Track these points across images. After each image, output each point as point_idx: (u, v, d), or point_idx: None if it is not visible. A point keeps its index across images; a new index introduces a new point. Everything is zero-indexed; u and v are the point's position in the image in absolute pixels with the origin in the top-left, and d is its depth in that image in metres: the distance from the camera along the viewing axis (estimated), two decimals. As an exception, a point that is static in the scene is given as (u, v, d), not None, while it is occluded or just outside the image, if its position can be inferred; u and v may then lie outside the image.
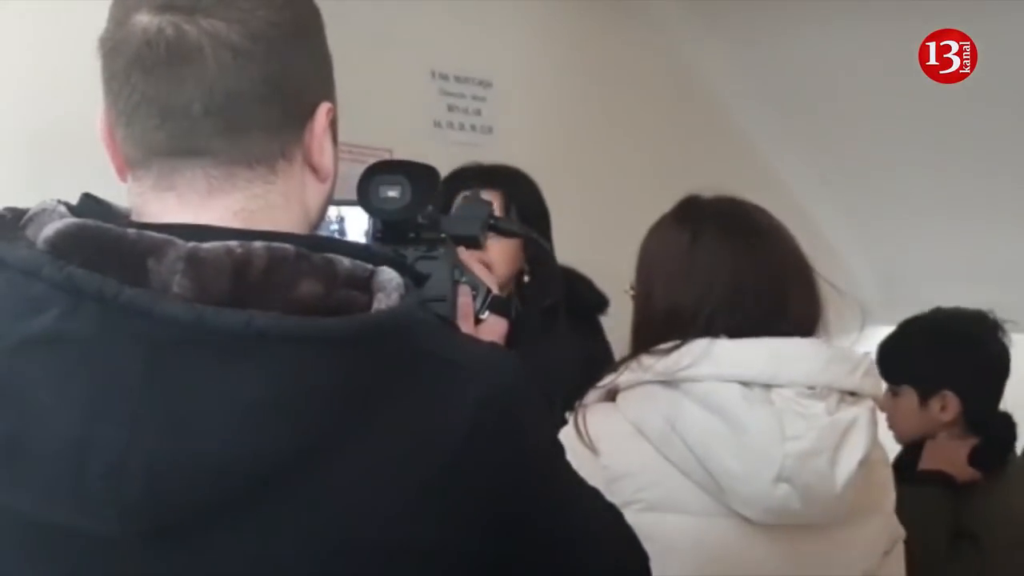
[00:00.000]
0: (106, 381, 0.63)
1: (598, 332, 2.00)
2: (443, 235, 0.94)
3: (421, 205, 0.91)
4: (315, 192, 0.79)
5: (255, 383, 0.64)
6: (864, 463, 1.13)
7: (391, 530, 0.69)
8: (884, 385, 2.01)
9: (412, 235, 0.93)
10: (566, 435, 1.21)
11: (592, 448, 1.18)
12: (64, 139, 1.51)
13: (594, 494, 0.88)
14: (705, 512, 1.16)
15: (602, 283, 2.06)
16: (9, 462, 0.65)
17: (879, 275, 3.94)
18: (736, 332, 1.17)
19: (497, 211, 1.60)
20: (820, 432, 1.11)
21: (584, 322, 1.96)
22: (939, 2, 2.64)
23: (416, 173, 0.91)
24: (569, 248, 2.24)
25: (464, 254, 0.98)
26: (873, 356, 1.21)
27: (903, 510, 1.58)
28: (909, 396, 1.95)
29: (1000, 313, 2.00)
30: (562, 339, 1.70)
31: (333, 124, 0.80)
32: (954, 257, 3.69)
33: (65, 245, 0.65)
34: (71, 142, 1.30)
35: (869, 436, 1.14)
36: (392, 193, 0.90)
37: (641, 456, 1.17)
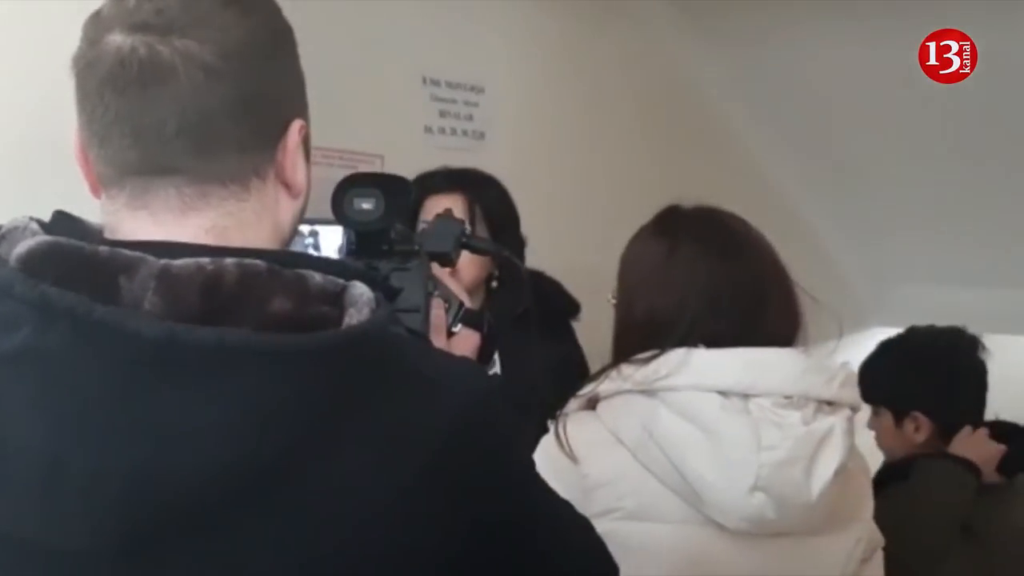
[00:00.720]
0: (79, 398, 0.64)
1: (570, 337, 2.01)
2: (416, 247, 0.95)
3: (395, 216, 0.92)
4: (288, 208, 0.79)
5: (227, 399, 0.65)
6: (840, 472, 1.13)
7: (363, 541, 0.69)
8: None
9: (386, 248, 0.94)
10: (547, 443, 1.22)
11: (572, 456, 1.19)
12: (50, 153, 1.52)
13: (566, 505, 0.88)
14: (683, 520, 1.17)
15: (592, 289, 2.06)
16: None
17: (874, 279, 3.96)
18: (714, 342, 1.18)
19: (459, 214, 1.62)
20: (796, 442, 1.12)
21: (556, 328, 1.96)
22: (929, 7, 2.66)
23: (389, 186, 0.92)
24: (560, 253, 2.25)
25: (437, 269, 0.99)
26: (852, 367, 1.21)
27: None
28: (886, 417, 2.00)
29: (993, 316, 2.02)
30: (535, 347, 1.71)
31: (306, 141, 0.81)
32: (949, 261, 3.70)
33: (37, 263, 0.65)
34: (57, 156, 1.31)
35: (845, 445, 1.14)
36: (366, 205, 0.91)
37: (620, 465, 1.18)
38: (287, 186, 0.79)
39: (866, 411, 2.07)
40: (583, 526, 0.90)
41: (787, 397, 1.14)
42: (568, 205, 2.78)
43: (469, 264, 1.77)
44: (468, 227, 1.10)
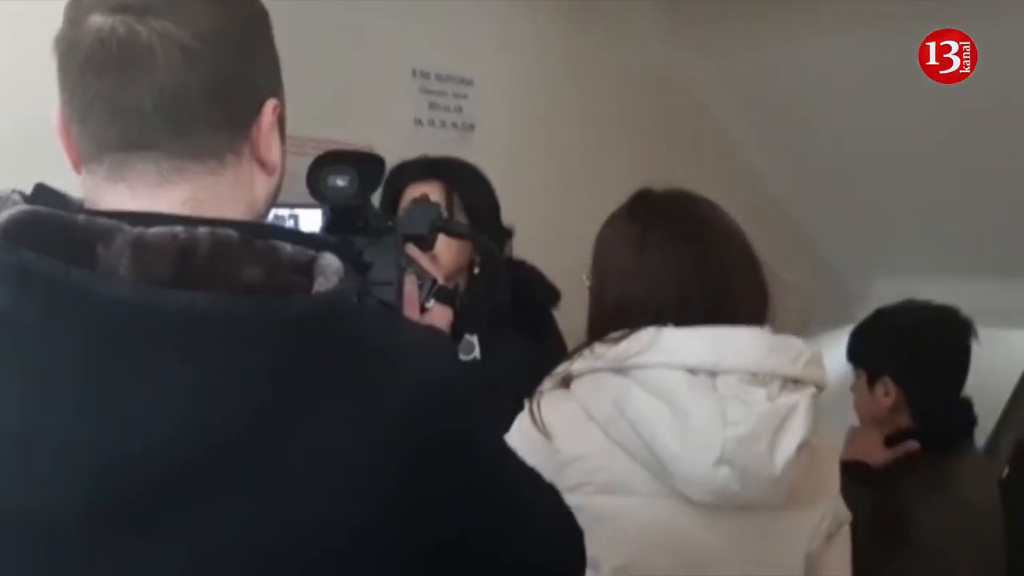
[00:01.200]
0: (55, 363, 0.66)
1: (550, 325, 2.03)
2: (390, 223, 0.98)
3: (368, 192, 0.95)
4: (263, 185, 0.82)
5: (197, 363, 0.67)
6: (803, 447, 1.17)
7: (335, 507, 0.72)
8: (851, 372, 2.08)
9: (361, 224, 0.97)
10: (521, 420, 1.26)
11: (545, 433, 1.23)
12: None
13: (532, 472, 0.91)
14: (651, 493, 1.20)
15: (580, 280, 2.09)
16: None
17: (861, 273, 3.99)
18: (684, 323, 1.21)
19: (437, 199, 1.64)
20: (760, 417, 1.15)
21: (536, 315, 1.99)
22: (914, 4, 2.69)
23: (363, 163, 0.95)
24: (548, 244, 2.28)
25: (411, 249, 1.02)
26: (818, 349, 1.25)
27: None
28: (862, 379, 2.04)
29: (979, 310, 2.05)
30: (509, 336, 1.74)
31: (281, 120, 0.83)
32: (936, 254, 3.73)
33: (17, 230, 0.68)
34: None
35: (808, 422, 1.17)
36: (341, 182, 0.94)
37: (592, 440, 1.22)
38: (262, 163, 0.81)
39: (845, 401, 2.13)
40: (549, 491, 0.93)
41: (753, 374, 1.17)
42: (557, 197, 2.80)
43: (449, 251, 1.80)
44: (444, 211, 1.12)
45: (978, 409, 2.12)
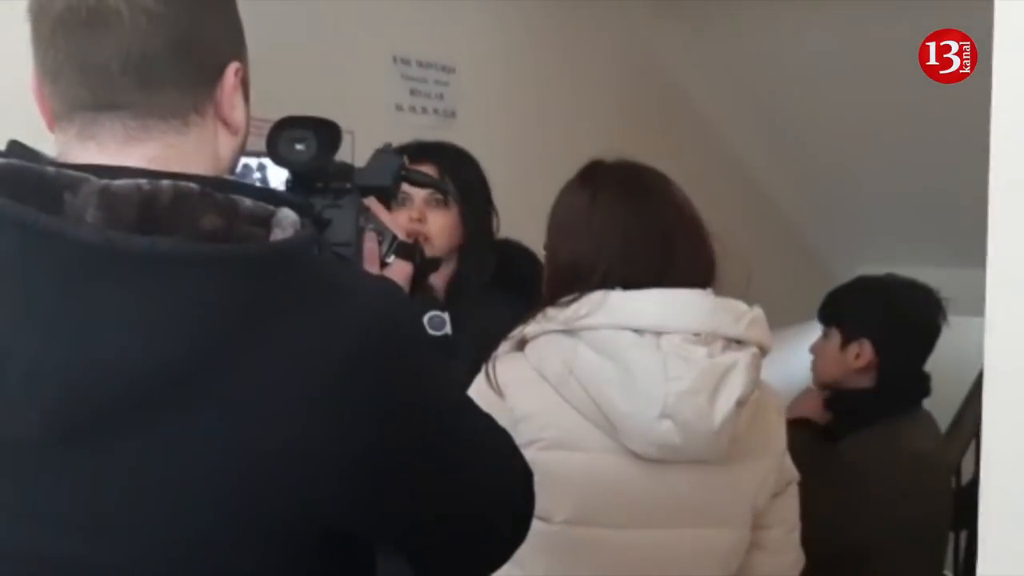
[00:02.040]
0: (25, 297, 0.72)
1: (536, 300, 2.06)
2: (348, 185, 1.03)
3: (326, 157, 1.00)
4: (227, 143, 0.88)
5: (156, 300, 0.73)
6: (743, 403, 1.23)
7: (282, 436, 0.77)
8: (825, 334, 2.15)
9: (320, 186, 1.02)
10: (478, 382, 1.32)
11: (499, 392, 1.29)
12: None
13: (485, 414, 0.95)
14: (599, 449, 1.27)
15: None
16: None
17: (844, 258, 4.04)
18: (630, 283, 1.27)
19: None
20: (700, 373, 1.21)
21: (523, 293, 2.02)
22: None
23: (321, 128, 1.01)
24: (528, 231, 2.32)
25: (372, 203, 1.06)
26: (761, 311, 1.31)
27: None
28: (834, 338, 2.10)
29: (957, 298, 2.13)
30: (488, 311, 1.78)
31: (244, 83, 0.89)
32: (917, 242, 3.78)
33: None
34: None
35: (748, 378, 1.23)
36: (299, 147, 0.99)
37: (543, 399, 1.28)
38: (226, 123, 0.87)
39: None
40: (501, 432, 0.97)
41: (696, 334, 1.23)
42: (538, 184, 2.83)
43: (439, 231, 1.86)
44: (407, 160, 1.14)
45: (946, 390, 2.20)
